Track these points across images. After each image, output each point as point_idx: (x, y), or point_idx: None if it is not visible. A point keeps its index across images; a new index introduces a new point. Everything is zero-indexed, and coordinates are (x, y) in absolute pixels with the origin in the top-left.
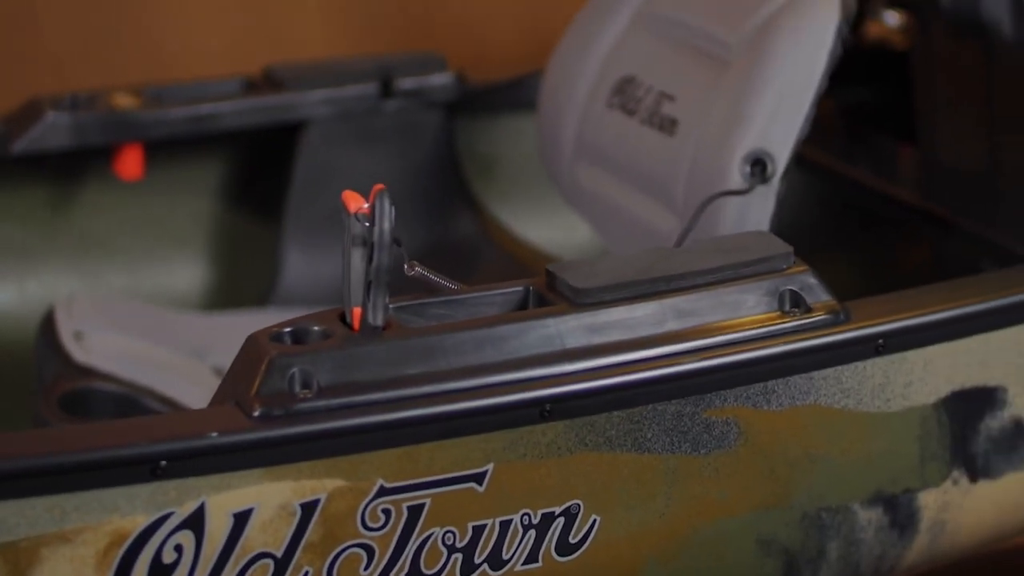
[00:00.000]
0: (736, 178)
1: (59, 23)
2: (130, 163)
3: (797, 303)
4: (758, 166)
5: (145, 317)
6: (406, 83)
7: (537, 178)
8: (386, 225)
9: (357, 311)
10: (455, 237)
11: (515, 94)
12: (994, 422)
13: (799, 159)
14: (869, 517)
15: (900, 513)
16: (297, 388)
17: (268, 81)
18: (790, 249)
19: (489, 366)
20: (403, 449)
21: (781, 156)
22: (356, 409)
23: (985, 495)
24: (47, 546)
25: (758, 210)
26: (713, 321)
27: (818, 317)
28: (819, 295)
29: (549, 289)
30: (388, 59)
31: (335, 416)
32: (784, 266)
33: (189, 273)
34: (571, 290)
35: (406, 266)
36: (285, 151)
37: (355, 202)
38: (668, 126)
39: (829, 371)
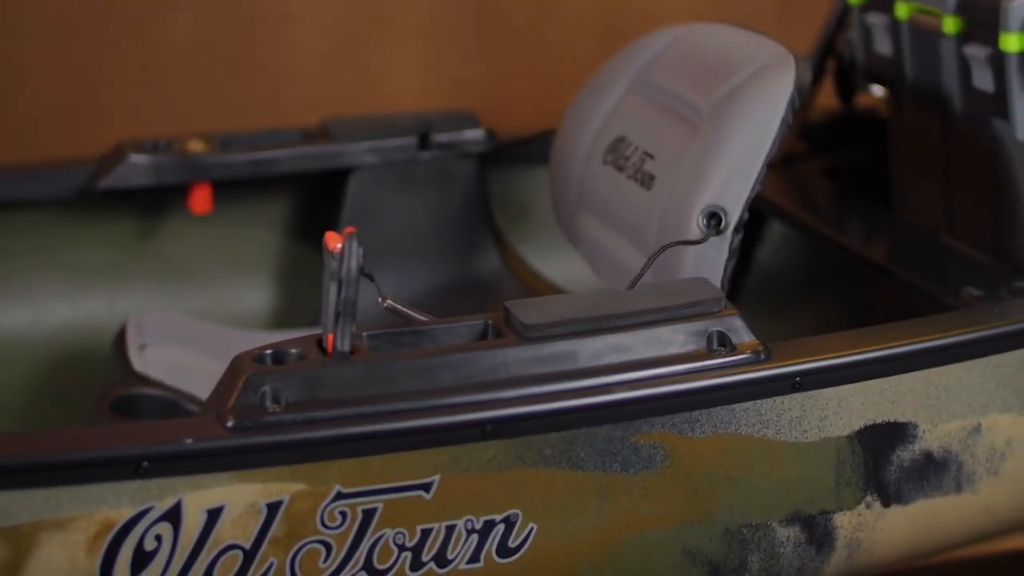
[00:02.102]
0: (695, 229)
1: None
2: (200, 199)
3: (723, 342)
4: (714, 219)
5: (204, 333)
6: (442, 137)
7: (554, 221)
8: (353, 263)
9: (331, 337)
10: (482, 272)
11: (538, 148)
12: (905, 454)
13: (786, 217)
14: (788, 534)
15: (817, 531)
16: (268, 403)
17: (322, 132)
18: (722, 295)
19: (438, 389)
20: (359, 459)
21: (734, 211)
22: (318, 423)
23: (898, 518)
24: (44, 531)
25: (713, 258)
26: (645, 356)
27: (740, 356)
28: (744, 336)
29: (505, 323)
30: (427, 116)
31: (299, 428)
32: (715, 309)
33: (253, 296)
34: (521, 325)
35: (379, 299)
36: (335, 193)
37: (333, 241)
38: (647, 181)
39: (749, 404)
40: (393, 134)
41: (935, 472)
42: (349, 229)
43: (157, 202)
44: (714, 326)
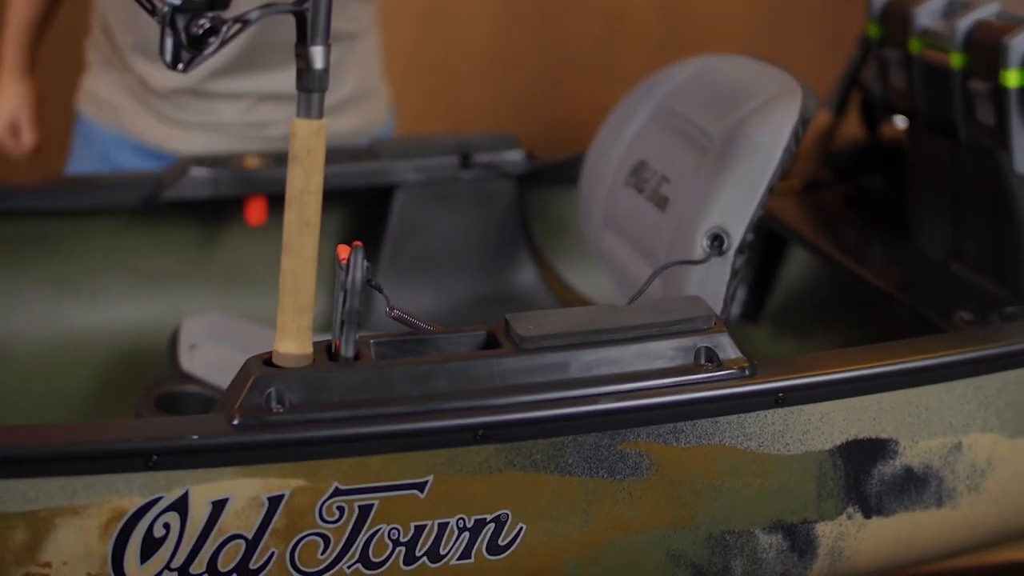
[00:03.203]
0: (699, 250)
1: None
2: (256, 211)
3: (711, 358)
4: (717, 241)
5: (252, 335)
6: (483, 157)
7: None
8: (357, 275)
9: (338, 344)
10: (518, 286)
11: (574, 169)
12: (886, 468)
13: (804, 242)
14: (770, 541)
15: (799, 539)
16: (273, 404)
17: (370, 151)
18: (713, 313)
19: (434, 395)
20: (356, 459)
21: (736, 233)
22: (317, 423)
23: (879, 529)
24: (60, 516)
25: (716, 278)
26: (634, 369)
27: (725, 371)
28: (731, 353)
29: (505, 334)
30: (469, 137)
31: (300, 428)
32: (705, 327)
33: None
34: (517, 336)
35: (387, 309)
36: (383, 207)
37: (343, 254)
38: (662, 203)
39: (733, 417)
40: (435, 153)
41: (916, 487)
42: (356, 243)
43: (216, 213)
44: (702, 342)
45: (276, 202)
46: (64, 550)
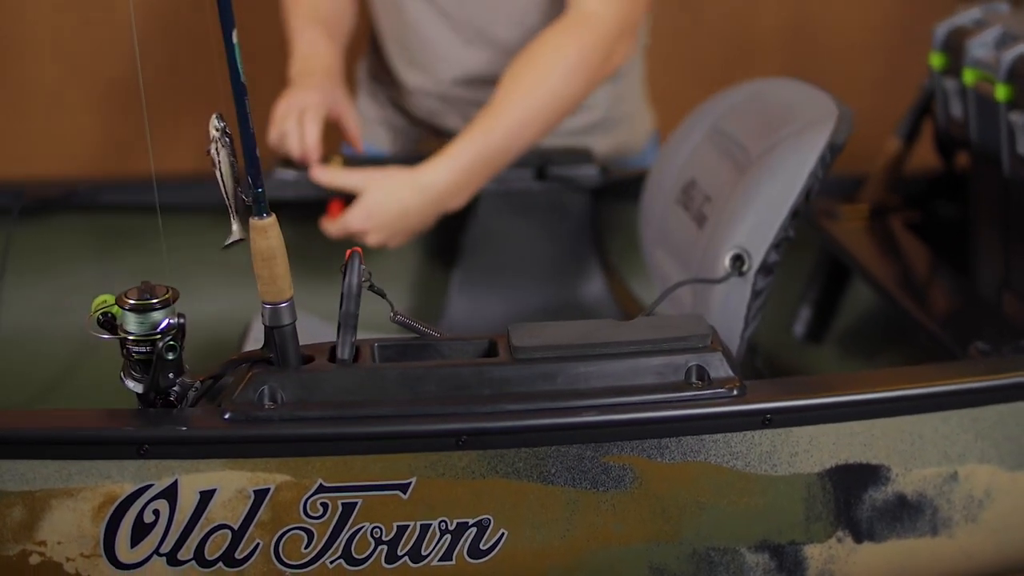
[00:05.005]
0: (722, 269)
1: None
2: (336, 213)
3: (701, 376)
4: (738, 261)
5: (316, 331)
6: (558, 170)
7: None
8: (354, 280)
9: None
10: (587, 298)
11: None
12: (878, 494)
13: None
14: (757, 560)
15: (787, 560)
16: (265, 400)
17: None
18: (710, 332)
19: (420, 399)
20: (341, 457)
21: (757, 254)
22: (304, 421)
23: (871, 555)
24: (56, 498)
25: (736, 298)
26: (621, 384)
27: (714, 391)
28: (722, 372)
29: (504, 344)
30: (547, 151)
31: (287, 425)
32: (699, 345)
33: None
34: (512, 347)
35: (390, 314)
36: (465, 215)
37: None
38: (702, 222)
39: (719, 436)
40: (512, 165)
41: (909, 514)
42: (356, 248)
43: (301, 213)
44: (694, 360)
45: None
46: (59, 530)
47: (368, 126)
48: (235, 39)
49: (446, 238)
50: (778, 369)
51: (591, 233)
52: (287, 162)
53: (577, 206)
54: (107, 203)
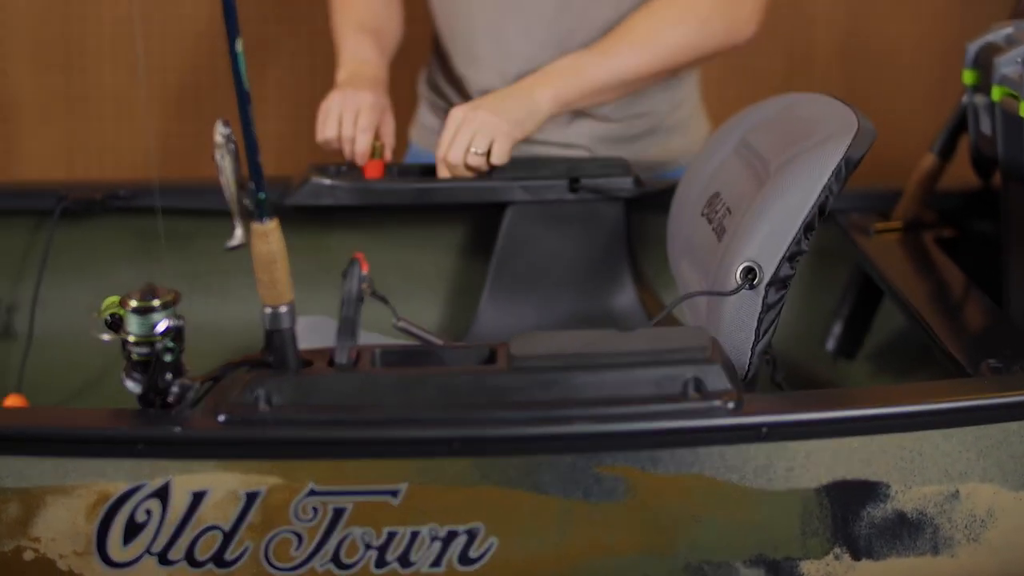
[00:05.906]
0: (733, 282)
1: None
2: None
3: (698, 388)
4: (750, 274)
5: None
6: (591, 181)
7: None
8: (353, 286)
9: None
10: (618, 308)
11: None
12: (876, 511)
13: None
14: (752, 575)
15: (783, 575)
16: (261, 403)
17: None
18: (709, 344)
19: (414, 405)
20: (331, 462)
21: (768, 268)
22: (296, 424)
23: (869, 573)
24: (50, 495)
25: (748, 311)
26: (616, 394)
27: (709, 403)
28: (719, 384)
29: (503, 352)
30: (581, 161)
31: (279, 428)
32: (698, 357)
33: (414, 308)
34: (511, 355)
35: (393, 321)
36: (493, 223)
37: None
38: (720, 233)
39: (714, 448)
40: (544, 175)
41: (909, 533)
42: (357, 254)
43: (338, 220)
44: (692, 372)
45: (395, 214)
46: (53, 527)
47: (428, 135)
48: (239, 48)
49: (478, 244)
50: (805, 384)
51: (624, 243)
52: (321, 168)
53: (610, 216)
54: (147, 206)
